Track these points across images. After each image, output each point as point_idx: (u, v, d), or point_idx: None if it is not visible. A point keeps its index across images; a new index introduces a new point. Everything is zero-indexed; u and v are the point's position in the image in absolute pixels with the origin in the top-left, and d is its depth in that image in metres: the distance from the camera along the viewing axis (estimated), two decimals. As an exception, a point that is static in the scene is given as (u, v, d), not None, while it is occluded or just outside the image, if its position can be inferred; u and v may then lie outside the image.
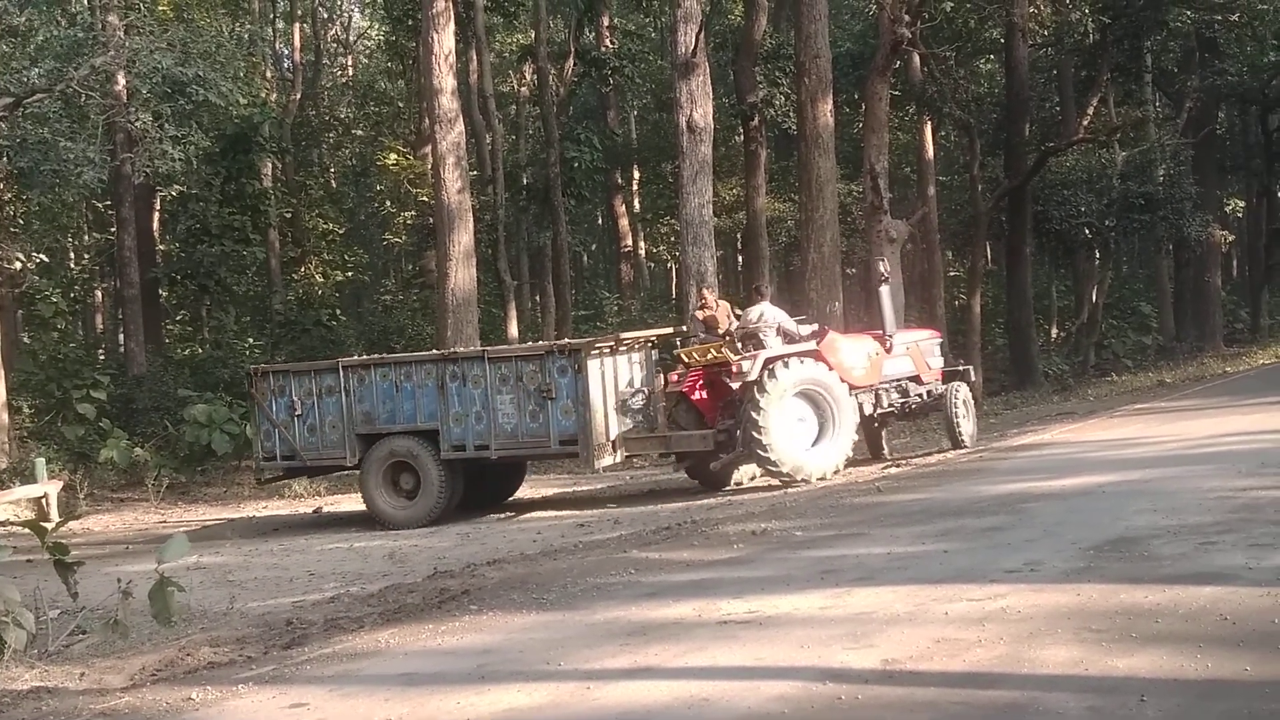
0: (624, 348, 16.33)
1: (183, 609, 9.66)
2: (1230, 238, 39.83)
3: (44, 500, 17.96)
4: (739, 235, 40.32)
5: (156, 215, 32.35)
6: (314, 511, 18.65)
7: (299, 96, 37.91)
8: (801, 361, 15.59)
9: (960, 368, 18.53)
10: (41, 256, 31.88)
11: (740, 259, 45.28)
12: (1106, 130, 32.82)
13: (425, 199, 33.26)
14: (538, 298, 37.80)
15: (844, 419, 15.71)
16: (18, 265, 28.15)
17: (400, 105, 41.99)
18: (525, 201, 33.81)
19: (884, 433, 17.90)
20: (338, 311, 32.91)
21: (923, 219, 31.00)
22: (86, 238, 39.93)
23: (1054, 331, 39.43)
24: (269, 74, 39.96)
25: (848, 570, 9.19)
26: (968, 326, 30.10)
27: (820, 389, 15.60)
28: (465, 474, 16.57)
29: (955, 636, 6.97)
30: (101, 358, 32.49)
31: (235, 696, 7.13)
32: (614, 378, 15.92)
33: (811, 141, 24.21)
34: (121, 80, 20.76)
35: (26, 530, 11.61)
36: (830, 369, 15.71)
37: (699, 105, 20.04)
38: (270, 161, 34.34)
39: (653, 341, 17.21)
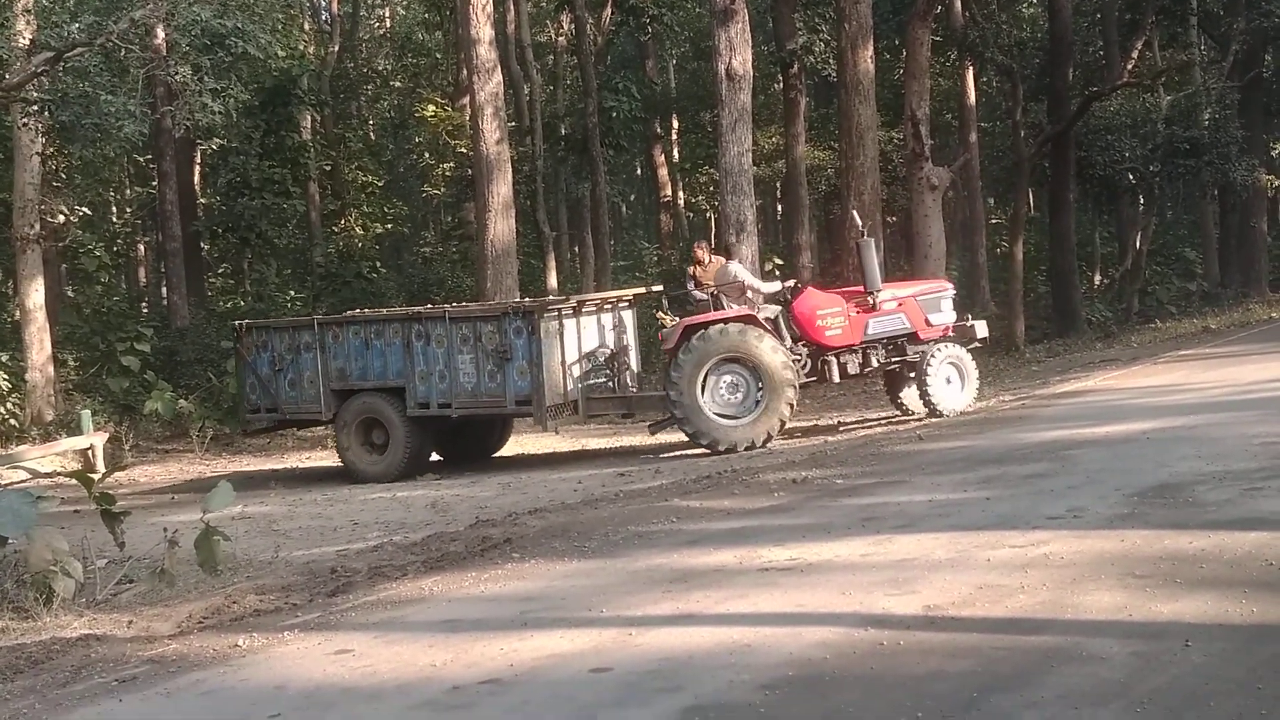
0: (592, 307, 16.44)
1: (228, 558, 9.78)
2: (1277, 182, 39.20)
3: (90, 452, 18.15)
4: (778, 184, 40.16)
5: (197, 169, 32.48)
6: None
7: (337, 49, 37.84)
8: (726, 328, 15.10)
9: (966, 323, 16.73)
10: (84, 210, 32.08)
11: (780, 208, 45.12)
12: (1151, 74, 32.37)
13: (464, 150, 33.19)
14: (576, 248, 37.76)
15: (774, 386, 14.89)
16: (61, 219, 28.36)
17: (438, 56, 41.87)
18: (564, 152, 33.70)
19: (905, 389, 16.51)
20: (378, 264, 32.90)
21: (964, 166, 30.75)
22: (128, 192, 40.13)
23: (1097, 278, 39.06)
24: (307, 26, 39.91)
25: (889, 518, 9.19)
26: (1010, 274, 29.81)
27: (747, 356, 15.00)
28: (448, 430, 16.86)
29: (998, 583, 6.96)
30: (145, 311, 32.73)
31: (281, 643, 7.21)
32: (577, 339, 15.97)
33: (852, 88, 24.02)
34: (161, 33, 20.76)
35: (74, 481, 11.76)
36: (766, 333, 15.07)
37: (738, 53, 19.86)
38: (309, 114, 34.35)
39: (628, 301, 17.20)
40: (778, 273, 30.87)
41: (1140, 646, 5.69)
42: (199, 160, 32.70)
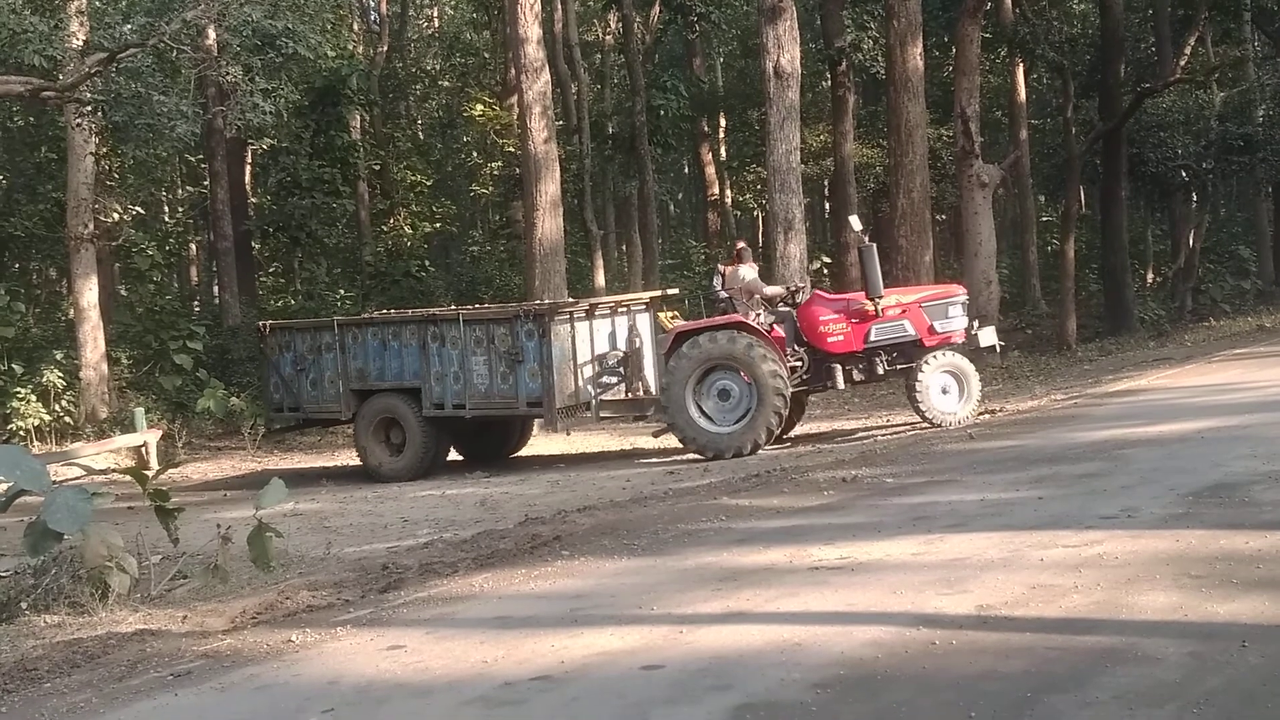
0: (605, 311, 16.61)
1: (281, 554, 9.86)
2: (1332, 179, 38.71)
3: (144, 449, 18.35)
4: (826, 182, 39.99)
5: (248, 169, 32.70)
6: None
7: (386, 48, 38.04)
8: (716, 335, 15.13)
9: (974, 330, 16.10)
10: (137, 210, 32.40)
11: (827, 206, 44.93)
12: (1204, 70, 31.99)
13: (512, 149, 33.29)
14: (624, 247, 37.75)
15: (761, 394, 14.86)
16: (114, 218, 28.63)
17: (486, 56, 41.98)
18: (611, 150, 33.72)
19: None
20: (426, 262, 33.04)
21: (1015, 163, 30.55)
22: (180, 191, 40.46)
23: (1150, 277, 38.67)
24: (356, 26, 40.12)
25: (940, 517, 9.14)
26: (1061, 272, 29.58)
27: (735, 363, 15.02)
28: (468, 430, 17.12)
29: (1051, 582, 6.91)
30: (197, 309, 33.00)
31: (334, 639, 7.25)
32: (590, 341, 16.15)
33: (900, 85, 23.92)
34: (212, 34, 20.94)
35: (128, 478, 11.88)
36: (756, 340, 15.03)
37: (786, 50, 19.84)
38: (359, 114, 34.53)
39: (644, 304, 17.35)
40: (825, 271, 30.85)
41: (1196, 647, 5.63)
42: (250, 160, 32.92)
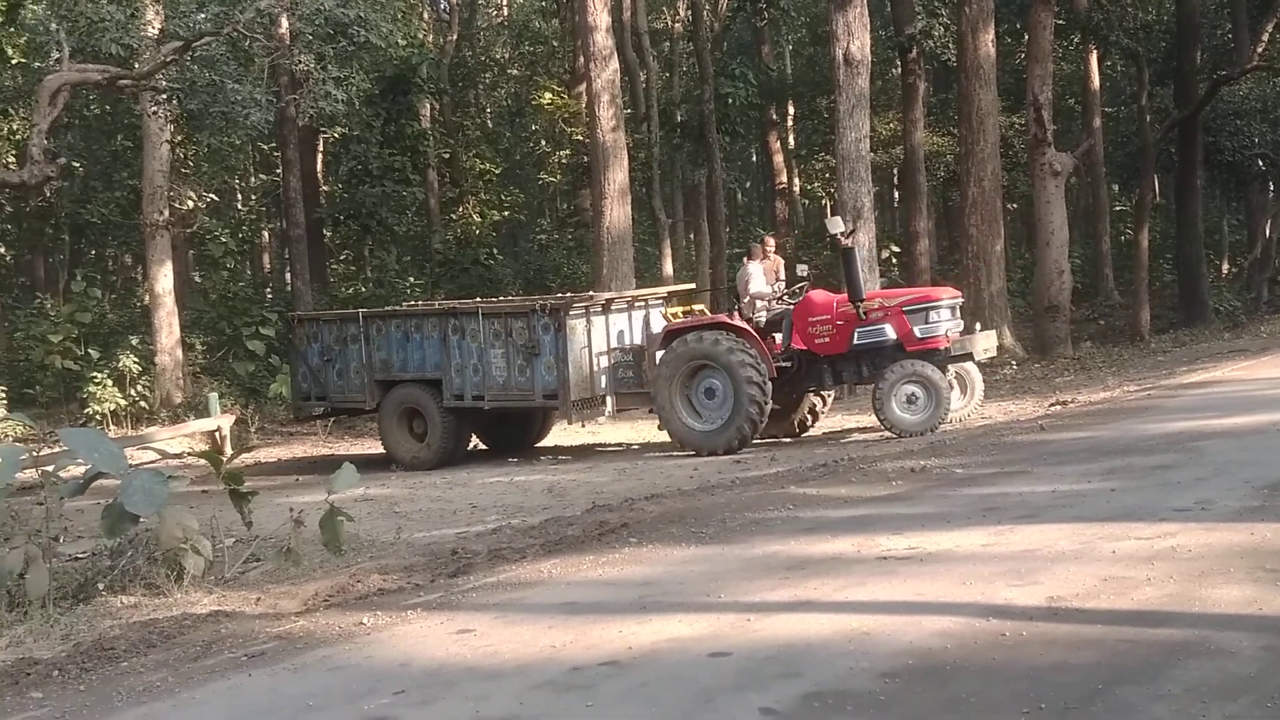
0: (622, 304, 16.91)
1: (352, 538, 9.96)
2: None
3: (217, 433, 18.59)
4: (896, 170, 39.71)
5: (320, 157, 32.98)
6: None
7: (455, 37, 38.18)
8: (701, 335, 15.32)
9: (974, 334, 15.85)
10: (211, 197, 32.79)
11: (897, 194, 44.63)
12: (1283, 57, 31.47)
13: (580, 138, 33.35)
14: (692, 235, 37.73)
15: (737, 393, 14.97)
16: (189, 206, 29.01)
17: (555, 44, 42.06)
18: (679, 139, 33.67)
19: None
20: (495, 250, 33.20)
21: (1088, 152, 30.16)
22: (253, 180, 40.89)
23: (1225, 267, 38.13)
24: (426, 15, 40.31)
25: (1010, 508, 9.08)
26: (1134, 262, 29.24)
27: (714, 363, 15.17)
28: (490, 420, 17.44)
29: (1123, 575, 6.85)
30: (269, 296, 33.36)
31: (405, 622, 7.33)
32: (606, 335, 16.41)
33: (972, 73, 23.73)
34: (285, 23, 21.15)
35: (202, 462, 12.05)
36: (738, 341, 15.12)
37: (856, 37, 19.69)
38: (428, 102, 34.71)
39: (661, 299, 17.65)
40: (894, 261, 30.64)
41: (1271, 641, 5.57)
42: (321, 148, 33.19)
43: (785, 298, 16.00)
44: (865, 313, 15.17)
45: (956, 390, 15.39)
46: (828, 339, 15.39)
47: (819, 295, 15.92)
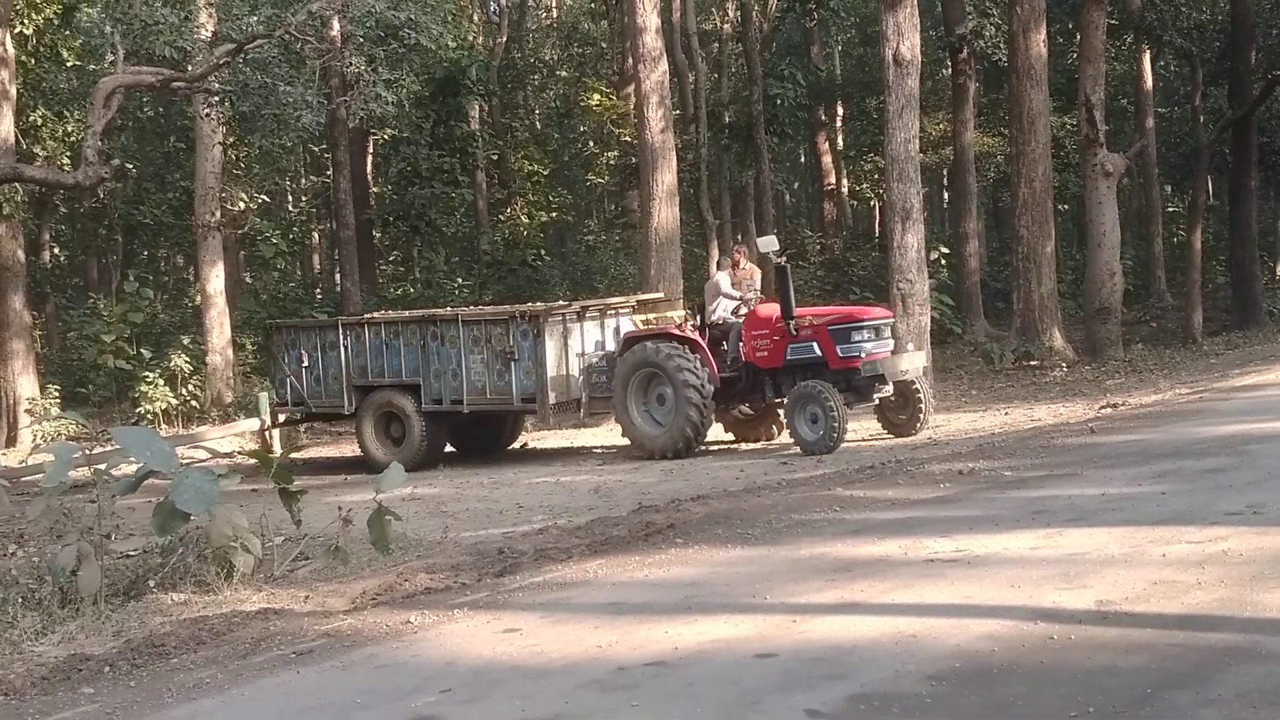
0: (596, 313, 17.39)
1: (399, 537, 10.01)
2: None
3: (267, 433, 18.76)
4: (946, 171, 39.53)
5: (370, 159, 33.20)
6: (520, 446, 19.11)
7: (505, 39, 38.35)
8: (654, 344, 15.82)
9: (904, 353, 16.12)
10: (263, 198, 33.06)
11: (946, 195, 44.42)
12: (1340, 56, 31.04)
13: (628, 139, 33.36)
14: (740, 236, 37.64)
15: (678, 400, 15.50)
16: (240, 207, 29.26)
17: (603, 46, 42.13)
18: (727, 140, 33.65)
19: (890, 412, 16.04)
20: (543, 252, 33.28)
21: (1140, 152, 29.91)
22: (304, 181, 41.22)
23: (1279, 269, 37.69)
24: (476, 17, 40.50)
25: (1059, 511, 9.01)
26: (1187, 264, 28.93)
27: (659, 370, 15.69)
28: (462, 424, 17.70)
29: (1173, 578, 6.79)
30: (319, 297, 33.61)
31: (451, 620, 7.36)
32: (581, 342, 16.87)
33: (1023, 73, 23.57)
34: (336, 25, 21.32)
35: (252, 461, 12.14)
36: (680, 351, 15.57)
37: (906, 37, 19.57)
38: (478, 104, 34.86)
39: (631, 307, 18.02)
40: (943, 262, 30.45)
41: (1325, 647, 5.50)
42: (371, 150, 33.42)
43: (742, 309, 16.30)
44: (796, 330, 15.50)
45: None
46: (766, 353, 15.81)
47: (764, 309, 16.21)
